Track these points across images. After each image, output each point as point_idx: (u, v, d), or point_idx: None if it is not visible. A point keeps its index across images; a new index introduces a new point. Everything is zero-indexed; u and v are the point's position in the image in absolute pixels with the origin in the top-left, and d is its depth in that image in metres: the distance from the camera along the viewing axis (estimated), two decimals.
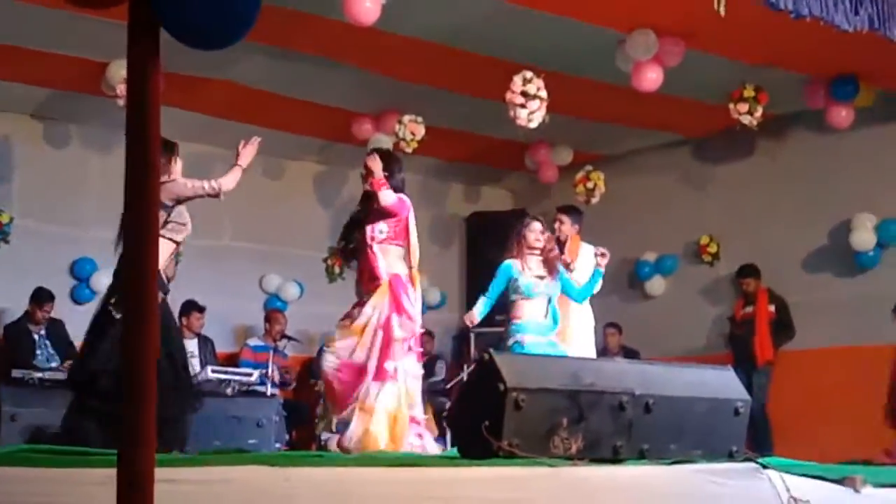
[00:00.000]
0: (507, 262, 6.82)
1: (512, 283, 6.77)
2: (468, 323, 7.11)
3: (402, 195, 6.41)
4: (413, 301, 6.32)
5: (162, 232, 5.79)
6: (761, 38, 7.65)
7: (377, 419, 6.02)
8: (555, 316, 6.81)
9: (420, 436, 6.26)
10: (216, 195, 6.11)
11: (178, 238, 6.02)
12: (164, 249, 5.84)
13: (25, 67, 8.48)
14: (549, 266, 6.80)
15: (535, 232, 6.82)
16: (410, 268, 6.39)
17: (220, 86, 8.94)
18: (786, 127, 9.86)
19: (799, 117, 9.68)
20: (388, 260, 6.34)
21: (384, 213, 6.32)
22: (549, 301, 6.78)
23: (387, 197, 6.27)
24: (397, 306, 6.21)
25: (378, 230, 6.33)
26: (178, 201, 5.99)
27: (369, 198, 6.44)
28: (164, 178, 5.84)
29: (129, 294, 1.95)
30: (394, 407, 6.09)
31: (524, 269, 6.77)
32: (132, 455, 1.88)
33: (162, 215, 5.83)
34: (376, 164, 6.38)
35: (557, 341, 6.82)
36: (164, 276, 5.96)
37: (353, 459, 5.06)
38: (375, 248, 6.31)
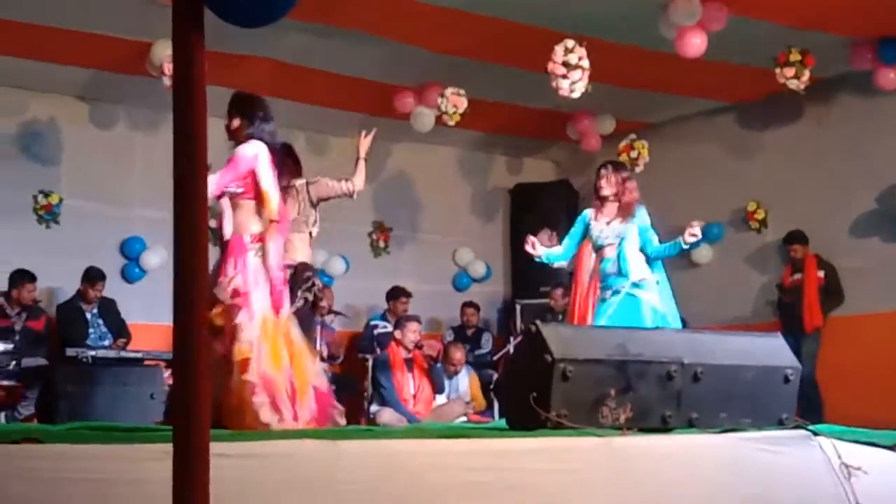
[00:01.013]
0: (585, 210, 6.64)
1: (586, 233, 6.55)
2: (528, 248, 6.57)
3: (252, 142, 5.56)
4: (248, 264, 5.42)
5: (311, 230, 6.50)
6: (805, 0, 7.54)
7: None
8: (622, 265, 6.34)
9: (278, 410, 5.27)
10: (350, 195, 6.63)
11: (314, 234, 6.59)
12: (306, 245, 6.50)
13: (70, 49, 8.56)
14: (623, 210, 6.46)
15: (603, 178, 6.52)
16: (272, 221, 5.54)
17: (262, 63, 8.97)
18: (832, 91, 9.72)
19: (845, 80, 9.54)
20: (240, 217, 5.56)
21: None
22: (620, 246, 6.38)
23: (244, 150, 5.55)
24: (223, 269, 5.42)
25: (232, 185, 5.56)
26: (322, 199, 6.49)
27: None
28: (310, 179, 6.43)
29: (179, 272, 1.97)
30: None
31: (597, 217, 6.51)
32: (188, 430, 1.91)
33: (312, 213, 6.49)
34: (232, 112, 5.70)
35: (639, 293, 6.32)
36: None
37: (403, 432, 5.11)
38: (224, 203, 5.56)
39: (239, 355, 5.12)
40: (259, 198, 5.43)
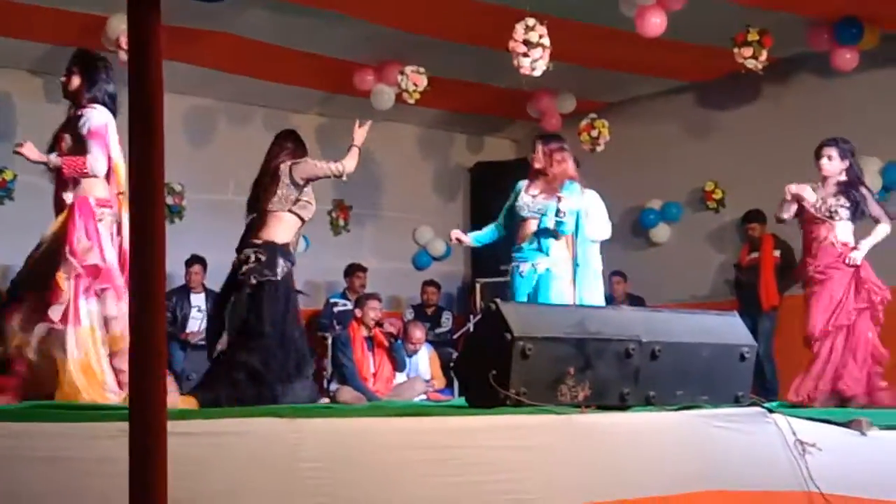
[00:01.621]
0: (520, 181, 6.60)
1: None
2: (452, 238, 6.82)
3: (97, 108, 5.30)
4: (102, 234, 5.10)
5: (293, 209, 6.28)
6: None
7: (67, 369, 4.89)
8: (541, 241, 6.26)
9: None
10: (340, 176, 6.46)
11: (306, 216, 6.35)
12: (292, 225, 6.32)
13: (24, 23, 8.42)
14: (550, 183, 6.33)
15: (535, 151, 6.52)
16: (121, 193, 5.21)
17: (221, 38, 8.88)
18: (790, 71, 9.79)
19: (803, 60, 9.61)
20: (85, 184, 5.24)
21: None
22: (541, 221, 6.28)
23: (97, 120, 5.27)
24: (70, 236, 5.08)
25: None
26: (308, 181, 6.32)
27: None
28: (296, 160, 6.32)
29: (135, 250, 1.95)
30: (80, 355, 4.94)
31: (527, 189, 6.46)
32: (145, 408, 1.90)
33: (293, 193, 6.25)
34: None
35: (553, 270, 6.23)
36: (291, 249, 6.37)
37: (362, 410, 5.10)
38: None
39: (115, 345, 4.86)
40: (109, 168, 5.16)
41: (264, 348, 5.87)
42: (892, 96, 9.20)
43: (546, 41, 7.70)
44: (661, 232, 11.01)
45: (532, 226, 6.35)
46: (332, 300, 10.45)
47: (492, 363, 4.02)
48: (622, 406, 4.23)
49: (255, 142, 10.94)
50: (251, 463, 2.98)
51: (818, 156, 6.75)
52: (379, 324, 9.18)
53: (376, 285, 10.38)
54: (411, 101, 9.49)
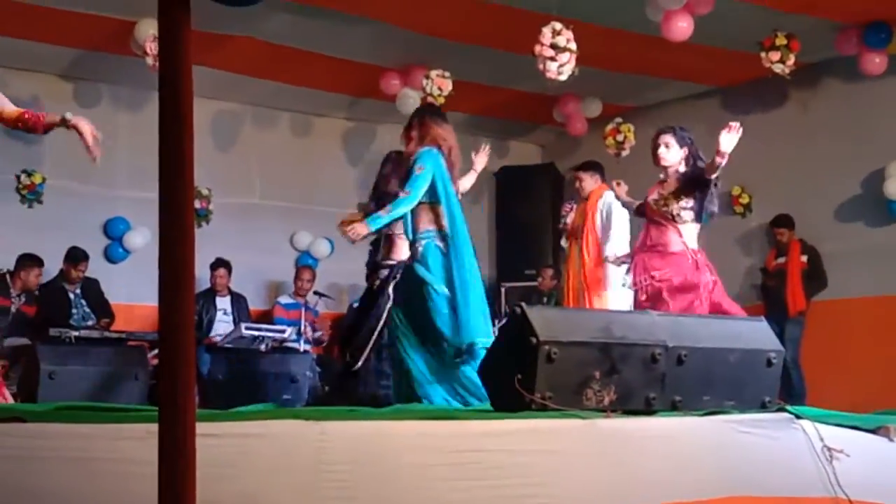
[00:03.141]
0: (432, 149, 6.09)
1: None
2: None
3: None
4: None
5: None
6: None
7: None
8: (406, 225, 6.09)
9: None
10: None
11: None
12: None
13: (54, 28, 8.51)
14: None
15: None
16: None
17: (246, 43, 8.93)
18: (818, 75, 9.75)
19: (831, 65, 9.57)
20: None
21: None
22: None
23: None
24: None
25: None
26: None
27: None
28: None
29: (165, 253, 1.96)
30: None
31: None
32: (174, 411, 1.91)
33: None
34: None
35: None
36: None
37: (387, 413, 5.11)
38: None
39: None
40: None
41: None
42: None
43: (573, 45, 7.71)
44: (688, 236, 10.97)
45: None
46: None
47: (517, 367, 4.01)
48: (648, 411, 4.21)
49: (281, 145, 11.06)
50: (276, 465, 2.99)
51: (655, 146, 6.32)
52: None
53: None
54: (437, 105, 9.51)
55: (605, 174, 8.08)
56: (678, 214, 6.10)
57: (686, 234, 6.14)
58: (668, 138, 6.27)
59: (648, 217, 6.26)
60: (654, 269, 6.10)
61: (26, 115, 4.65)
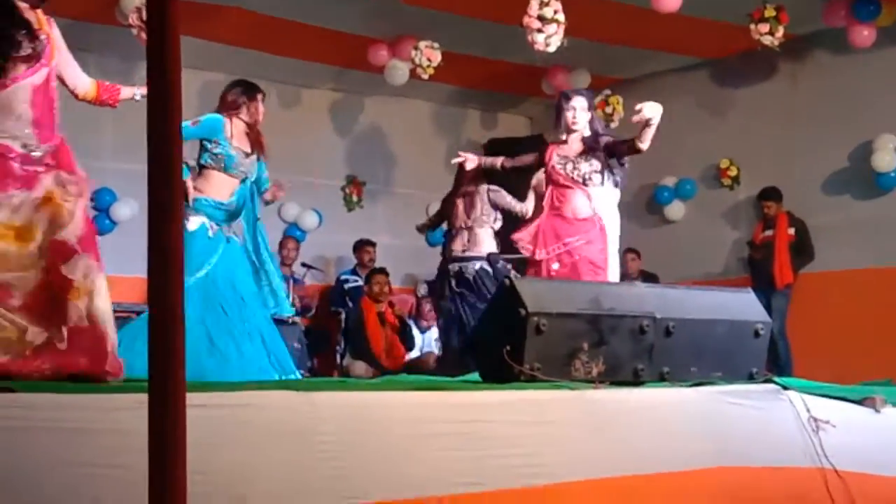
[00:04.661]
0: (217, 115, 5.91)
1: (211, 145, 5.85)
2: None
3: None
4: None
5: (493, 226, 7.56)
6: None
7: None
8: (240, 202, 5.97)
9: None
10: (523, 216, 7.18)
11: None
12: (491, 237, 7.57)
13: None
14: (256, 143, 6.06)
15: (257, 102, 6.13)
16: None
17: (234, 13, 8.87)
18: (806, 48, 9.74)
19: (820, 37, 9.56)
20: None
21: None
22: (244, 183, 5.98)
23: None
24: None
25: None
26: (498, 207, 7.50)
27: None
28: (492, 188, 7.39)
29: (154, 225, 1.96)
30: None
31: (232, 136, 5.92)
32: (164, 380, 1.91)
33: (493, 213, 7.52)
34: None
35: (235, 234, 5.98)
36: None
37: (376, 384, 5.12)
38: None
39: None
40: None
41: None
42: None
43: (560, 17, 7.68)
44: (676, 209, 11.00)
45: None
46: (343, 276, 10.48)
47: (506, 338, 4.03)
48: (636, 382, 4.24)
49: (269, 117, 10.96)
50: (266, 435, 3.00)
51: (569, 108, 6.05)
52: (390, 304, 9.23)
53: (389, 261, 10.39)
54: (425, 77, 9.48)
55: None
56: (588, 177, 5.95)
57: (595, 197, 5.97)
58: (582, 101, 6.10)
59: (553, 181, 6.06)
60: (566, 235, 5.93)
61: (103, 95, 4.71)
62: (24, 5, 4.11)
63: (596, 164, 5.94)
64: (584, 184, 5.94)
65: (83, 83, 4.58)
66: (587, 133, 6.04)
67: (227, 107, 5.89)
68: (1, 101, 3.95)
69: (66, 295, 3.85)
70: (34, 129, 3.99)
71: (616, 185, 6.04)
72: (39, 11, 4.18)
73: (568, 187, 5.96)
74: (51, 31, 4.17)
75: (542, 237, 6.00)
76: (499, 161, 6.74)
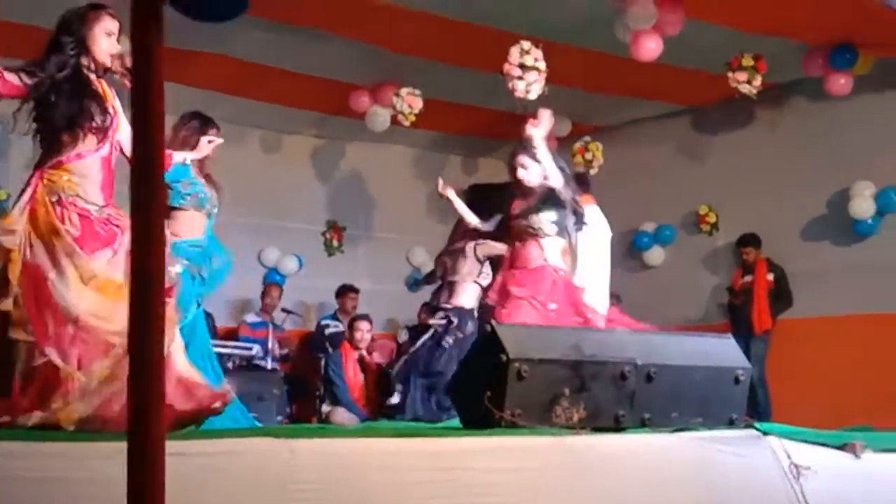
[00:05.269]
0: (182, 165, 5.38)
1: (181, 186, 5.55)
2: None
3: None
4: None
5: (479, 281, 8.04)
6: (760, 6, 7.64)
7: None
8: (209, 237, 5.73)
9: None
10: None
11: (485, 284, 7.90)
12: (475, 293, 8.14)
13: (19, 44, 8.43)
14: (208, 178, 5.77)
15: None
16: None
17: (216, 60, 8.91)
18: (784, 95, 9.85)
19: (798, 86, 9.68)
20: None
21: None
22: (209, 218, 5.76)
23: None
24: None
25: None
26: (488, 257, 7.87)
27: None
28: (479, 242, 7.54)
29: (137, 263, 1.95)
30: None
31: (198, 173, 5.67)
32: (143, 429, 1.89)
33: (478, 268, 8.08)
34: None
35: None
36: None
37: (357, 431, 5.09)
38: None
39: None
40: None
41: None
42: (885, 121, 9.26)
43: (541, 65, 7.75)
44: (655, 254, 11.04)
45: None
46: (324, 322, 10.45)
47: (487, 384, 4.02)
48: (617, 428, 4.22)
49: (251, 163, 11.02)
50: (245, 483, 2.98)
51: (513, 167, 6.15)
52: (369, 351, 9.22)
53: (370, 306, 10.38)
54: (406, 123, 9.53)
55: (580, 187, 7.67)
56: (540, 228, 5.98)
57: (548, 248, 5.99)
58: (522, 159, 6.11)
59: (513, 235, 6.13)
60: (514, 284, 5.95)
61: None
62: (93, 76, 4.35)
63: (551, 215, 5.98)
64: (537, 234, 5.98)
65: None
66: (539, 183, 6.06)
67: (182, 143, 5.64)
68: (80, 170, 4.21)
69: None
70: (101, 193, 4.27)
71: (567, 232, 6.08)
72: (104, 82, 4.42)
73: (524, 240, 6.02)
74: (114, 103, 4.41)
75: (493, 290, 6.18)
76: (471, 221, 6.89)
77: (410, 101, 9.37)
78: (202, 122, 5.85)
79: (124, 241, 4.15)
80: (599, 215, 7.26)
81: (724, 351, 4.78)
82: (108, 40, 4.36)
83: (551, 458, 3.65)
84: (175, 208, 5.67)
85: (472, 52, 8.66)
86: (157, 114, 2.02)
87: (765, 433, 4.30)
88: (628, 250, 11.08)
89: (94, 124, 4.23)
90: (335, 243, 11.49)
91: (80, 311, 3.96)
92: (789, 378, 9.13)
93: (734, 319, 9.61)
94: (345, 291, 10.52)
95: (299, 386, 9.81)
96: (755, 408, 7.93)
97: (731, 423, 4.49)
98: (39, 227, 4.06)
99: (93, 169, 4.25)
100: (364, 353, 9.20)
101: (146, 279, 1.94)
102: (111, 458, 2.69)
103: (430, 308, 7.90)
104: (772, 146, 10.09)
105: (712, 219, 10.56)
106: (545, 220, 5.96)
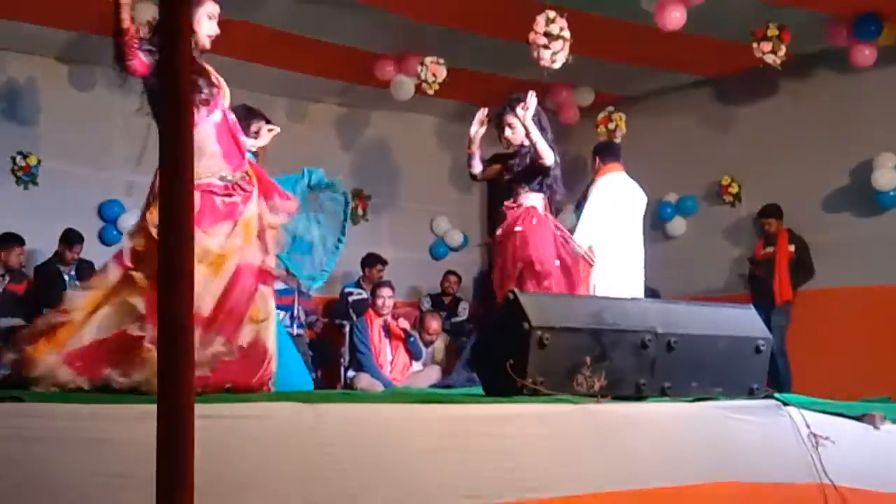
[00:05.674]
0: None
1: None
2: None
3: None
4: None
5: None
6: None
7: None
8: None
9: None
10: None
11: None
12: None
13: (49, 10, 8.49)
14: None
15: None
16: None
17: (242, 28, 8.90)
18: (808, 66, 9.79)
19: (822, 57, 9.61)
20: None
21: None
22: None
23: None
24: None
25: None
26: None
27: None
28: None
29: (165, 234, 2.00)
30: None
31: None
32: (173, 391, 1.95)
33: None
34: None
35: None
36: None
37: (380, 396, 5.16)
38: None
39: None
40: None
41: None
42: None
43: (566, 34, 7.74)
44: (678, 225, 11.04)
45: None
46: (347, 289, 10.50)
47: (509, 352, 4.07)
48: (638, 396, 4.27)
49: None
50: (272, 447, 3.04)
51: (500, 128, 6.39)
52: (394, 317, 9.27)
53: (394, 274, 10.43)
54: (430, 92, 9.53)
55: (607, 156, 7.47)
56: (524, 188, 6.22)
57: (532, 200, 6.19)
58: (510, 118, 6.29)
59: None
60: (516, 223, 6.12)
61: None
62: (195, 55, 4.57)
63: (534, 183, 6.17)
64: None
65: None
66: (527, 143, 6.22)
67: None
68: (196, 143, 4.25)
69: (243, 314, 4.31)
70: (225, 162, 4.43)
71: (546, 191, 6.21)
72: (203, 61, 4.67)
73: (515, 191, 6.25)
74: (217, 76, 4.69)
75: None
76: (477, 165, 6.88)
77: (434, 70, 9.38)
78: (248, 112, 5.93)
79: (244, 210, 4.36)
80: (631, 183, 7.22)
81: (745, 321, 4.81)
82: (209, 23, 4.68)
83: (572, 425, 3.70)
84: None
85: (498, 21, 8.65)
86: (183, 80, 2.06)
87: (784, 403, 4.34)
88: (651, 221, 11.03)
89: (203, 95, 4.45)
90: (360, 211, 11.53)
91: None
92: (810, 349, 9.13)
93: (755, 290, 9.60)
94: (373, 263, 10.52)
95: (324, 352, 9.89)
96: (775, 378, 7.93)
97: (751, 393, 4.53)
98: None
99: (208, 139, 4.41)
100: (389, 319, 9.25)
101: (173, 248, 1.99)
102: (140, 419, 2.76)
103: None
104: (795, 117, 10.04)
105: (734, 189, 10.54)
106: (534, 197, 6.19)
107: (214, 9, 4.69)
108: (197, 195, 4.24)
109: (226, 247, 4.29)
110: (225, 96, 4.63)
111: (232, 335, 4.25)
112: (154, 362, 4.01)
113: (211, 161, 4.38)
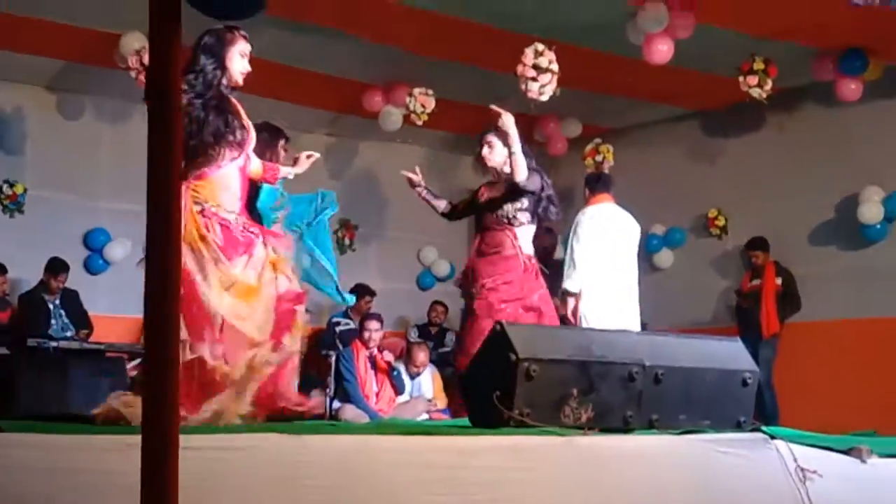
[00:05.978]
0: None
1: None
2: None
3: None
4: None
5: None
6: (771, 10, 7.65)
7: None
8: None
9: None
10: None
11: None
12: None
13: (39, 39, 8.50)
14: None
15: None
16: None
17: None
18: (794, 100, 9.86)
19: (808, 90, 9.68)
20: None
21: None
22: None
23: None
24: None
25: None
26: None
27: None
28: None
29: (151, 258, 1.98)
30: None
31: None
32: (158, 422, 1.93)
33: None
34: None
35: None
36: None
37: (366, 428, 5.12)
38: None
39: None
40: None
41: None
42: (894, 127, 9.25)
43: (555, 67, 7.78)
44: (665, 257, 11.05)
45: None
46: (335, 319, 10.47)
47: (496, 383, 4.04)
48: (625, 429, 4.25)
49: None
50: (256, 478, 3.01)
51: (479, 146, 6.22)
52: (379, 349, 9.24)
53: (381, 305, 10.41)
54: (419, 123, 9.56)
55: (595, 186, 7.48)
56: (514, 217, 5.94)
57: (521, 237, 5.96)
58: (491, 137, 6.11)
59: (483, 223, 6.10)
60: (486, 276, 5.91)
61: (266, 173, 5.11)
62: (226, 93, 4.69)
63: (522, 203, 5.93)
64: (510, 223, 5.94)
65: (254, 164, 4.95)
66: (508, 169, 5.97)
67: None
68: (222, 181, 4.50)
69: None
70: (238, 203, 4.57)
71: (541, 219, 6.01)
72: (233, 98, 4.74)
73: (493, 228, 5.99)
74: (245, 118, 4.74)
75: (463, 278, 6.11)
76: (440, 204, 6.73)
77: (423, 101, 9.41)
78: (273, 134, 5.93)
79: (258, 246, 4.50)
80: (621, 213, 7.21)
81: (731, 353, 4.79)
82: (241, 61, 4.78)
83: (559, 457, 3.67)
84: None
85: (486, 52, 8.69)
86: (173, 109, 2.05)
87: (772, 436, 4.32)
88: (638, 252, 11.07)
89: (234, 138, 4.55)
90: (347, 241, 11.52)
91: (223, 313, 4.27)
92: (797, 382, 9.13)
93: (742, 322, 9.62)
94: (362, 294, 10.50)
95: (309, 382, 9.83)
96: (762, 411, 7.92)
97: (738, 426, 4.51)
98: (186, 235, 4.28)
99: (232, 180, 4.54)
100: (375, 351, 9.22)
101: (161, 278, 1.97)
102: (122, 451, 2.72)
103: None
104: (781, 150, 10.09)
105: (721, 222, 10.58)
106: (515, 209, 5.92)
107: (246, 47, 4.80)
108: (217, 226, 4.40)
109: (250, 278, 4.45)
110: (251, 140, 4.74)
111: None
112: (225, 377, 4.24)
113: (231, 200, 4.51)
